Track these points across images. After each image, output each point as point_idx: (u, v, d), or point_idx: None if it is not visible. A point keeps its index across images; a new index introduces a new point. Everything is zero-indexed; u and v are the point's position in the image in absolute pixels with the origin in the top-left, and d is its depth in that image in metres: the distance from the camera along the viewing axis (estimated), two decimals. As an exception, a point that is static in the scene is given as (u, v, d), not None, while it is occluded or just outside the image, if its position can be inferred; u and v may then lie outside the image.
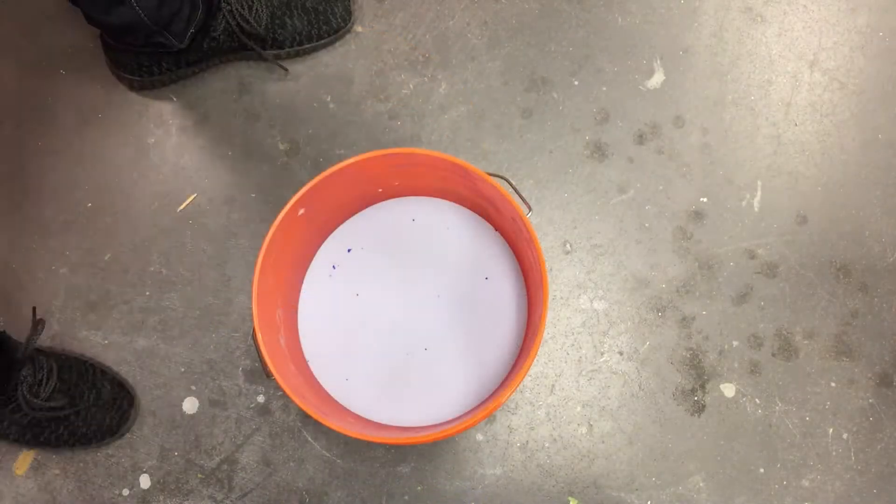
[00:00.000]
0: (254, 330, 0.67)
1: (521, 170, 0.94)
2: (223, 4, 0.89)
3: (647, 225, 0.93)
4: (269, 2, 0.92)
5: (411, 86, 0.97)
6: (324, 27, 0.94)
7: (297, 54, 0.96)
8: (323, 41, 0.95)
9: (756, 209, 0.94)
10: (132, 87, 0.95)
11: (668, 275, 0.91)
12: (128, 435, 0.86)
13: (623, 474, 0.86)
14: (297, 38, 0.93)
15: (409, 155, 0.71)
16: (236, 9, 0.89)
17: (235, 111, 0.96)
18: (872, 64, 0.99)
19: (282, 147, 0.95)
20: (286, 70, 0.95)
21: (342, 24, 0.95)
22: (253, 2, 0.91)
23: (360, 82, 0.97)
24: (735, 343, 0.90)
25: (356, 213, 0.84)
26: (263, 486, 0.85)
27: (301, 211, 0.72)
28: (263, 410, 0.87)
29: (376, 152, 0.71)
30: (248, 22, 0.90)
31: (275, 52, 0.94)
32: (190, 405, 0.87)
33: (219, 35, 0.90)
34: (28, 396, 0.79)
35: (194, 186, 0.93)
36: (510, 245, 0.82)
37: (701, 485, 0.86)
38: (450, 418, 0.79)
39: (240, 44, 0.92)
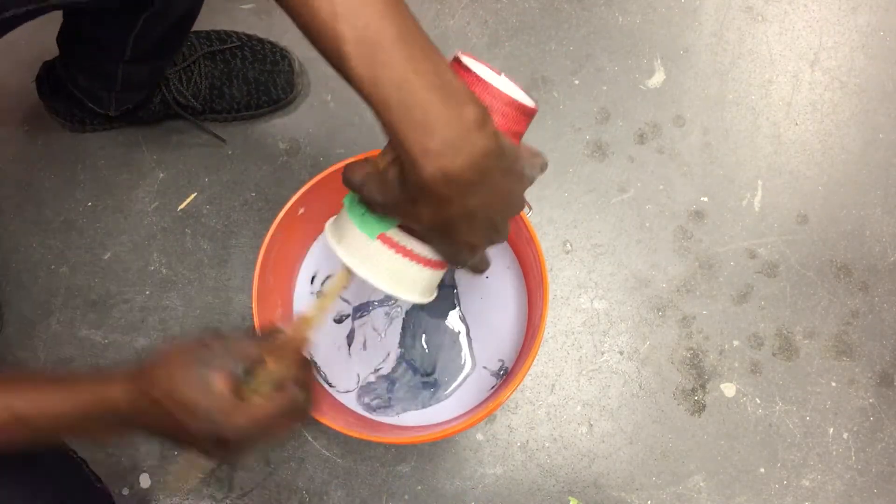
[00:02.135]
0: (254, 330, 0.67)
1: (521, 169, 0.94)
2: (161, 80, 0.88)
3: (647, 224, 0.93)
4: (210, 73, 0.90)
5: (411, 85, 0.96)
6: (263, 97, 0.92)
7: (234, 120, 0.94)
8: (262, 110, 0.93)
9: (756, 209, 0.94)
10: (64, 128, 0.94)
11: (668, 274, 0.91)
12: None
13: (623, 474, 0.86)
14: (235, 106, 0.92)
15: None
16: (174, 84, 0.88)
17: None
18: (873, 63, 0.99)
19: (282, 146, 0.95)
20: (223, 140, 0.93)
21: (282, 96, 0.93)
22: (192, 74, 0.89)
23: (361, 81, 0.97)
24: (735, 343, 0.90)
25: (356, 212, 0.84)
26: (263, 485, 0.85)
27: (301, 210, 0.72)
28: (263, 410, 0.87)
29: (377, 151, 0.71)
30: (184, 96, 0.89)
31: (211, 117, 0.93)
32: (190, 405, 0.87)
33: (155, 106, 0.89)
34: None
35: (194, 186, 0.93)
36: (510, 244, 0.82)
37: (701, 484, 0.86)
38: (450, 418, 0.79)
39: (175, 113, 0.91)
